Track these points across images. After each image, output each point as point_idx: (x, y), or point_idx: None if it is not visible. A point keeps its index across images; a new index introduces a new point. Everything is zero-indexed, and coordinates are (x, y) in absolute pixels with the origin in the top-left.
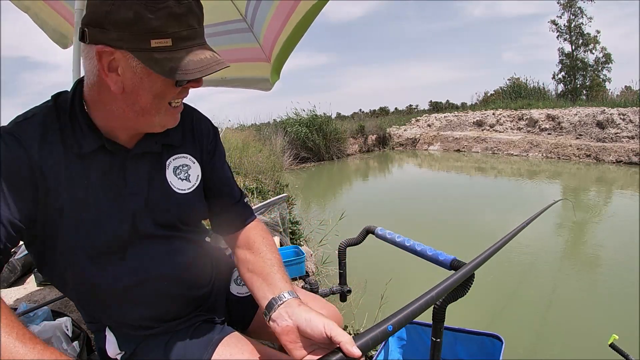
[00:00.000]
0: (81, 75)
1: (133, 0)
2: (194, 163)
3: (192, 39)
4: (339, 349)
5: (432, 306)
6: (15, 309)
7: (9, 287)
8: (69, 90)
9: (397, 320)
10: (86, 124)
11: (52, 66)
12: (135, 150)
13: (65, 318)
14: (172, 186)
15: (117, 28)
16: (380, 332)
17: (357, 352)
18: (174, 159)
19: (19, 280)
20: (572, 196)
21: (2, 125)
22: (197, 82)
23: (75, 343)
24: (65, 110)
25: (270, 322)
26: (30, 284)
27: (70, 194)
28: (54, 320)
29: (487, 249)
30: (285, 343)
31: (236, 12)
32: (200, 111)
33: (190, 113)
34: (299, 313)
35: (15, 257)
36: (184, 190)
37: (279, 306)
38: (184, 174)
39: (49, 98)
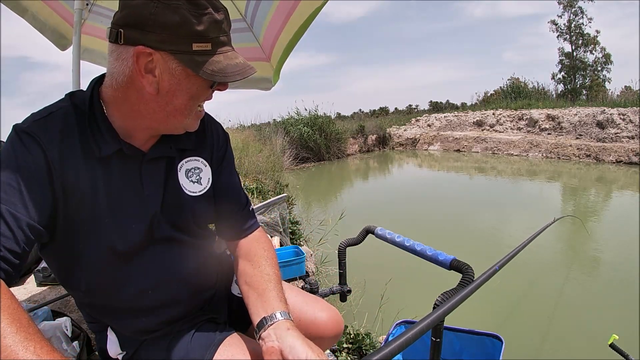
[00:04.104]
0: (80, 75)
1: (178, 5)
2: (206, 166)
3: (226, 44)
4: None
5: (432, 305)
6: None
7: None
8: (82, 89)
9: (401, 342)
10: (106, 126)
11: (52, 66)
12: (151, 155)
13: (65, 318)
14: (183, 188)
15: (161, 30)
16: (384, 355)
17: None
18: (185, 162)
19: (18, 280)
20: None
21: (16, 123)
22: (224, 86)
23: (75, 343)
24: (83, 111)
25: (259, 340)
26: (30, 284)
27: (92, 197)
28: (54, 320)
29: (488, 269)
30: None
31: (236, 11)
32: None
33: (203, 117)
34: (285, 337)
35: None
36: (195, 192)
37: (269, 326)
38: (195, 177)
39: (63, 97)
